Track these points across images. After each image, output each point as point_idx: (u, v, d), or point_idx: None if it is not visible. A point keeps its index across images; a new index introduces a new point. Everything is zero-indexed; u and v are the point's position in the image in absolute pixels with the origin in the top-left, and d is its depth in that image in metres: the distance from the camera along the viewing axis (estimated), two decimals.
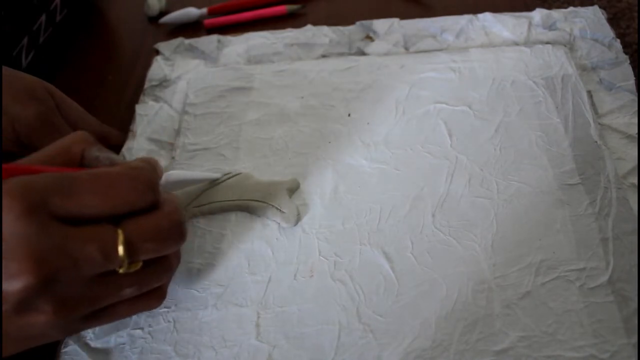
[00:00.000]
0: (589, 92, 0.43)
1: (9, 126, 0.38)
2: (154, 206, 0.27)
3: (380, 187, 0.39)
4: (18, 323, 0.25)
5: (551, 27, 0.49)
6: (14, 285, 0.23)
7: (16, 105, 0.38)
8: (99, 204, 0.25)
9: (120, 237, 0.26)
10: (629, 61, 0.45)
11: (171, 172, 0.37)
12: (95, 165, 0.29)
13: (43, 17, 0.55)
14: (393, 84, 0.46)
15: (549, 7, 0.51)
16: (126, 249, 0.26)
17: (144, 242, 0.26)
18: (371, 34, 0.51)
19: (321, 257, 0.36)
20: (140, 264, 0.27)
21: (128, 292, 0.28)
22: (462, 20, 0.51)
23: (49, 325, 0.25)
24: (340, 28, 0.52)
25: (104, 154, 0.29)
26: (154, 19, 0.58)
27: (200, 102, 0.47)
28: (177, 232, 0.28)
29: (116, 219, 0.26)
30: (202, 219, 0.39)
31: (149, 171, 0.28)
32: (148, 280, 0.28)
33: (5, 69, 0.40)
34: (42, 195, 0.24)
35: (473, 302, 0.33)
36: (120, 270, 0.26)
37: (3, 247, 0.23)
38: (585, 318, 0.32)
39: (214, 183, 0.40)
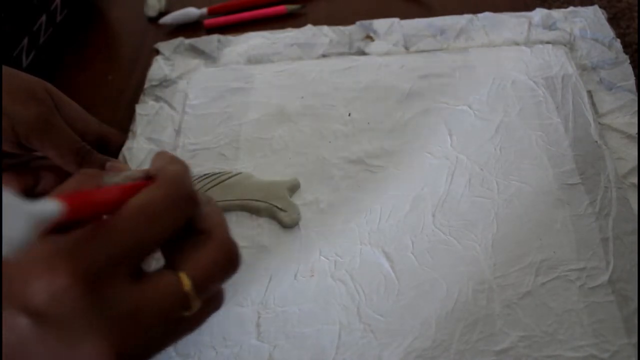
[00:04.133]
0: (589, 92, 0.43)
1: (8, 127, 0.38)
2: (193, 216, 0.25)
3: (381, 187, 0.39)
4: None
5: (551, 27, 0.49)
6: None
7: (16, 105, 0.38)
8: (147, 240, 0.23)
9: (186, 282, 0.23)
10: (629, 61, 0.45)
11: None
12: None
13: (43, 18, 0.55)
14: (393, 84, 0.46)
15: (549, 7, 0.51)
16: (194, 292, 0.24)
17: (207, 281, 0.24)
18: (371, 34, 0.51)
19: (321, 257, 0.36)
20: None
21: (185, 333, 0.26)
22: (462, 20, 0.50)
23: None
24: (341, 28, 0.52)
25: (121, 175, 0.26)
26: (154, 19, 0.58)
27: (200, 102, 0.47)
28: (235, 264, 0.26)
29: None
30: None
31: (186, 179, 0.25)
32: (204, 318, 0.26)
33: (4, 69, 0.40)
34: (97, 258, 0.21)
35: (473, 302, 0.33)
36: (186, 314, 0.24)
37: (70, 332, 0.20)
38: (586, 318, 0.32)
39: (214, 182, 0.40)
